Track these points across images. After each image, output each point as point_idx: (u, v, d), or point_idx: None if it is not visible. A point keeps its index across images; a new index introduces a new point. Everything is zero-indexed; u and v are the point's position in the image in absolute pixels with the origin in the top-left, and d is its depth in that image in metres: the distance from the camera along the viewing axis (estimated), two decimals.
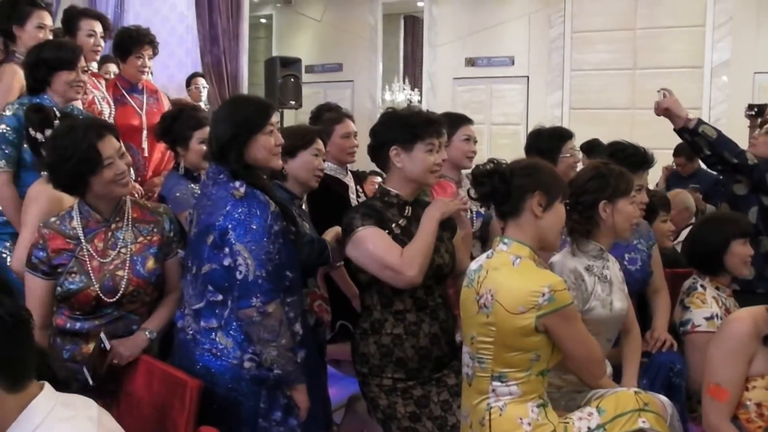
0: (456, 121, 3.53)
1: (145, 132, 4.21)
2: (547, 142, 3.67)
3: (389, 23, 10.86)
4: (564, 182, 2.49)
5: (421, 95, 9.96)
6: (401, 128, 2.69)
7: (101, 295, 2.53)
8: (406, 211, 2.73)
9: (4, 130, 3.24)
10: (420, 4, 10.26)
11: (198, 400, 2.30)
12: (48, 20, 3.88)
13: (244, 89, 8.95)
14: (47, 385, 1.64)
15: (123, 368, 2.55)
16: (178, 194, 3.27)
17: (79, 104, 3.62)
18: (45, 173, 2.97)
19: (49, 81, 3.34)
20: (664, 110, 3.58)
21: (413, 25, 11.34)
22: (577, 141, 8.63)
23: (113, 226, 2.60)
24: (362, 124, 11.24)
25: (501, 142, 8.91)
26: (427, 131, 2.68)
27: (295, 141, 2.94)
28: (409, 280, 2.55)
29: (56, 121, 2.90)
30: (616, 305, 2.70)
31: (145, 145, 4.22)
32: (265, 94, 8.61)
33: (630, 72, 8.47)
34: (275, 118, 2.59)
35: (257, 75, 10.10)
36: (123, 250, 2.59)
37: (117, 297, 2.55)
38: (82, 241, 2.56)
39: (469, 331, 2.40)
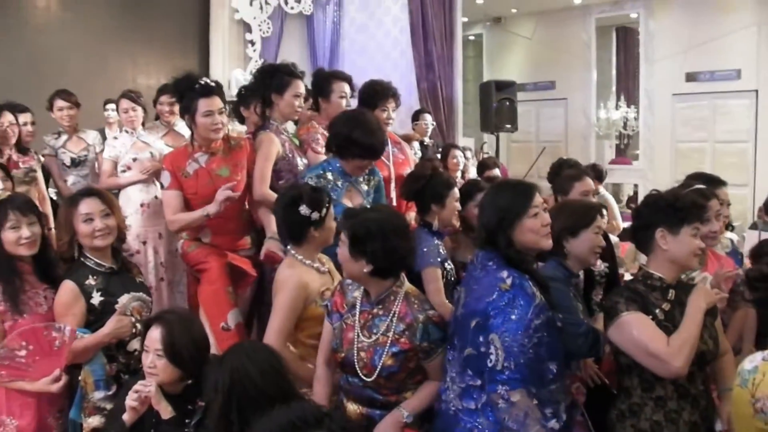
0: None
1: (393, 183, 4.42)
2: None
3: (601, 36, 10.64)
4: None
5: (637, 112, 9.68)
6: (668, 211, 2.71)
7: (344, 363, 2.75)
8: (669, 294, 2.72)
9: None
10: (633, 15, 9.98)
11: None
12: (302, 89, 4.16)
13: (459, 113, 9.10)
14: None
15: None
16: (426, 249, 3.53)
17: None
18: (292, 252, 3.16)
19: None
20: None
21: (626, 37, 11.02)
22: None
23: (375, 310, 2.76)
24: (575, 143, 11.06)
25: (726, 161, 8.46)
26: (695, 214, 2.70)
27: (577, 220, 2.95)
28: (675, 371, 2.54)
29: (327, 205, 3.14)
30: None
31: (393, 195, 4.42)
32: (481, 118, 8.74)
33: None
34: (538, 199, 2.60)
35: (468, 94, 10.22)
36: (373, 337, 2.73)
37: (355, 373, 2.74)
38: (357, 310, 2.78)
39: None
